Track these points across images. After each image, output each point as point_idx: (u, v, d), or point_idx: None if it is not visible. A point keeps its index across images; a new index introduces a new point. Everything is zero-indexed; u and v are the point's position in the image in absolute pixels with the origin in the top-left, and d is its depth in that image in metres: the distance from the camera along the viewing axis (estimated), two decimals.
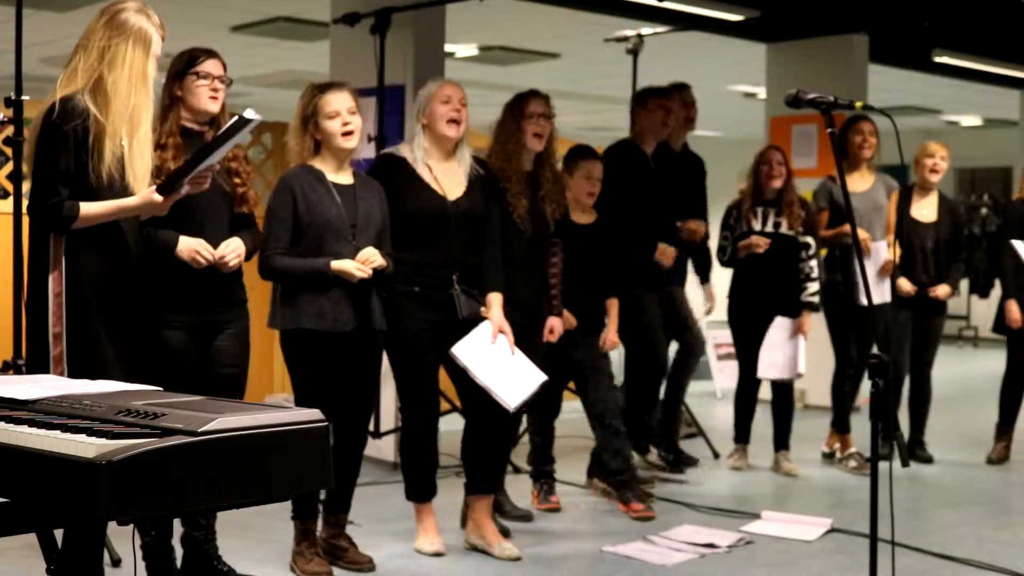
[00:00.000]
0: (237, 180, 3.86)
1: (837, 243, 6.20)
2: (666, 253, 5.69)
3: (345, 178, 4.17)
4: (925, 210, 6.34)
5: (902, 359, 6.34)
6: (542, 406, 5.24)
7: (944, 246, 6.37)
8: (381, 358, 4.36)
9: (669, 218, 5.82)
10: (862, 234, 5.94)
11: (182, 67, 3.78)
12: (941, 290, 6.31)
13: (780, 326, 5.92)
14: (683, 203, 5.96)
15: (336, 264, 4.01)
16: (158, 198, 3.33)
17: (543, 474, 5.31)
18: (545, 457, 5.32)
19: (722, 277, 6.14)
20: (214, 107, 3.78)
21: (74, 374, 3.23)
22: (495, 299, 4.44)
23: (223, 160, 3.80)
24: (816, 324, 6.46)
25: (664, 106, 5.72)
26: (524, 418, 5.34)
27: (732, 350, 6.48)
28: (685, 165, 6.07)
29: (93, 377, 2.98)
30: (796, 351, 5.92)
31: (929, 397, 6.53)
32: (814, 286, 5.96)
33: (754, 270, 5.96)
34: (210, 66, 3.78)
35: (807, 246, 5.95)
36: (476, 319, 4.40)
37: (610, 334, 5.25)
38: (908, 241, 6.30)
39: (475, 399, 4.46)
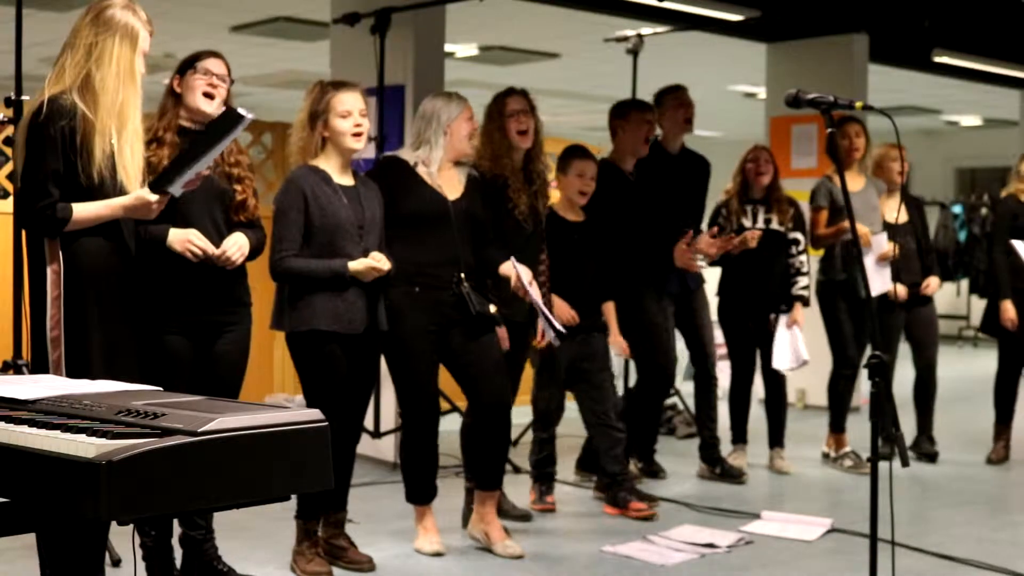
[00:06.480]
0: (238, 187, 3.85)
1: (837, 241, 6.18)
2: (685, 257, 5.56)
3: (347, 179, 4.16)
4: (895, 212, 6.36)
5: (894, 360, 6.34)
6: (551, 407, 5.23)
7: (923, 241, 6.44)
8: (380, 357, 4.36)
9: (664, 225, 5.62)
10: (862, 228, 5.92)
11: (184, 64, 3.82)
12: (933, 283, 6.38)
13: (782, 321, 5.99)
14: (679, 208, 5.77)
15: (353, 265, 4.01)
16: (151, 196, 3.32)
17: (544, 476, 5.29)
18: (548, 459, 5.29)
19: (711, 276, 6.12)
20: (207, 106, 3.76)
21: (72, 376, 3.22)
22: (511, 263, 4.39)
23: (225, 167, 3.80)
24: (814, 324, 6.47)
25: (648, 120, 5.55)
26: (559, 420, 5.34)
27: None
28: (682, 168, 5.86)
29: (91, 378, 2.98)
30: (796, 341, 5.97)
31: (934, 390, 6.53)
32: (804, 280, 6.04)
33: (744, 268, 5.96)
34: (211, 64, 3.80)
35: (796, 242, 6.03)
36: (486, 315, 4.39)
37: (614, 337, 5.24)
38: None
39: (478, 392, 4.45)
